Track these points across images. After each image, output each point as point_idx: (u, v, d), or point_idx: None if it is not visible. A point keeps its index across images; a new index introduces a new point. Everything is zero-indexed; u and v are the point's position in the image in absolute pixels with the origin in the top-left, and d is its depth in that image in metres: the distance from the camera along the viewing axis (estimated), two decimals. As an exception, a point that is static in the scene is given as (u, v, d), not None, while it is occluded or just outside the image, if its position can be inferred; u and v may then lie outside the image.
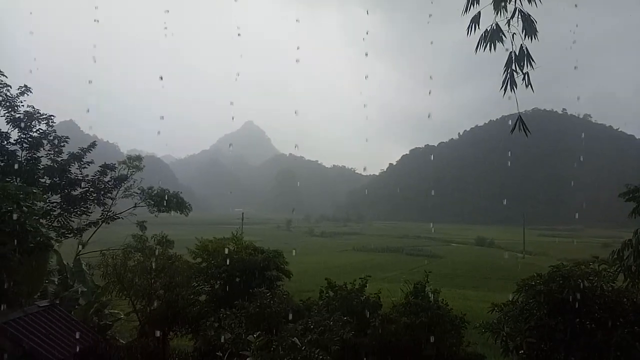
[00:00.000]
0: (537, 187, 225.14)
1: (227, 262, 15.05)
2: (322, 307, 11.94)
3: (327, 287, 12.76)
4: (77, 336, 10.84)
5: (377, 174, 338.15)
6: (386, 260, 60.67)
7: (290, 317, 11.04)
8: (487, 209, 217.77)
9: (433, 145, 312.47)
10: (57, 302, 12.07)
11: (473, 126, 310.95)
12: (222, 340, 9.88)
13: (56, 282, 14.67)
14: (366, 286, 12.44)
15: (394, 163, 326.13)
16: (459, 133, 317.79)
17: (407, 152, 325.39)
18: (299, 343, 8.70)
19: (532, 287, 9.97)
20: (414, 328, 10.36)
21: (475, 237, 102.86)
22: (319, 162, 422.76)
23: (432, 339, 10.25)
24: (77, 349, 10.53)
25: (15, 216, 9.98)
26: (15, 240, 10.03)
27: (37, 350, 9.50)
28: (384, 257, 65.87)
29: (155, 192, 20.79)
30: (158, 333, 13.74)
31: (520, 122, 4.75)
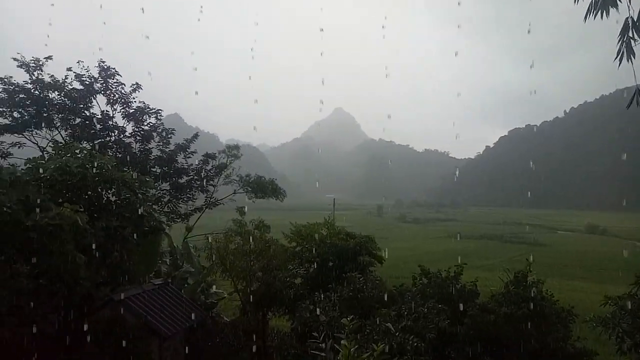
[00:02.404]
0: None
1: (321, 247, 15.40)
2: (416, 294, 11.74)
3: (421, 274, 12.50)
4: (187, 312, 11.86)
5: (473, 157, 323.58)
6: (483, 248, 58.14)
7: (385, 302, 11.05)
8: (599, 194, 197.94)
9: (535, 125, 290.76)
10: (170, 280, 13.28)
11: (582, 102, 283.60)
12: (317, 322, 10.17)
13: (168, 263, 16.12)
14: (462, 274, 11.97)
15: (491, 145, 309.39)
16: (565, 110, 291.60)
17: (506, 134, 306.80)
18: (392, 329, 8.69)
19: (654, 280, 8.98)
20: (515, 319, 9.80)
21: (585, 224, 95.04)
22: (410, 147, 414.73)
23: (535, 332, 9.64)
24: (187, 324, 11.52)
25: (140, 209, 11.04)
26: (133, 224, 11.17)
27: (153, 323, 10.56)
28: (481, 245, 63.14)
29: (252, 179, 21.80)
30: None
31: (638, 95, 4.24)
